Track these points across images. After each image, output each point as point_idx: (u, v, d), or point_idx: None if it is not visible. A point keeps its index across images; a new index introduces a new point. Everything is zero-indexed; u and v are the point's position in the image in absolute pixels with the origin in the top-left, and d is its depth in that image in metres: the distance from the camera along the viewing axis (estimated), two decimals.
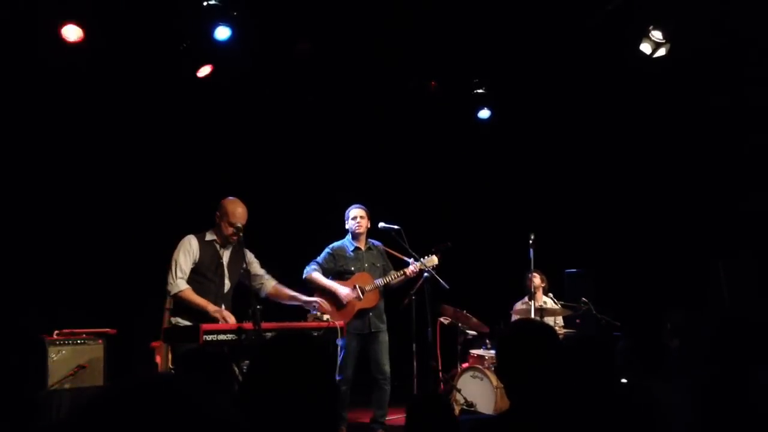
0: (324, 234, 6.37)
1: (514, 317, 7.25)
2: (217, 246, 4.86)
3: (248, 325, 4.44)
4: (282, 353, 1.89)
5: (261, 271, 5.08)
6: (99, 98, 6.63)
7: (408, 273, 5.91)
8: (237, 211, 4.80)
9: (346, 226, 6.05)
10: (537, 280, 7.24)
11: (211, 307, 4.67)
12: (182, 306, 4.69)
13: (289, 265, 7.04)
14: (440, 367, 6.89)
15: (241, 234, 4.74)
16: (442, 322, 7.01)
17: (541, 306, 6.99)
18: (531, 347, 2.15)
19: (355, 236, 6.02)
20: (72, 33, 6.04)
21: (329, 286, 5.81)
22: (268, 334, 4.47)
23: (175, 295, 4.67)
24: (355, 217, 5.99)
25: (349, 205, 6.14)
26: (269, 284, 5.07)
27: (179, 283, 4.67)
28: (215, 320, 4.61)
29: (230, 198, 4.88)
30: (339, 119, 7.98)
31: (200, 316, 4.64)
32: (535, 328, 2.31)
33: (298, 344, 1.92)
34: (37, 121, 6.41)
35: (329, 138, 8.06)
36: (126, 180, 6.96)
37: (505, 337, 2.32)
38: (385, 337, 5.95)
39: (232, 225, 4.77)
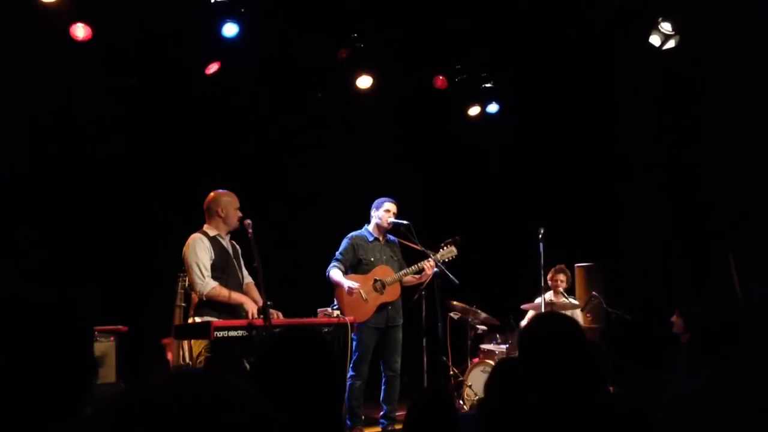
0: (329, 231, 6.38)
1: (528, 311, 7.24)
2: (221, 239, 4.88)
3: (258, 321, 4.45)
4: (283, 353, 1.87)
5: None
6: (103, 96, 6.63)
7: (427, 269, 5.87)
8: (234, 198, 4.87)
9: (374, 216, 5.98)
10: (563, 277, 7.11)
11: (244, 299, 4.72)
12: (211, 303, 4.68)
13: (295, 262, 7.07)
14: (450, 362, 6.89)
15: (251, 230, 4.73)
16: (451, 317, 7.01)
17: (551, 300, 6.97)
18: (555, 340, 2.09)
19: (381, 229, 5.99)
20: (80, 31, 6.06)
21: (341, 282, 5.81)
22: (278, 331, 4.48)
23: (208, 294, 4.63)
24: (389, 210, 5.95)
25: (360, 199, 6.12)
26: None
27: (209, 282, 4.65)
28: (246, 314, 4.64)
29: (219, 190, 4.91)
30: (346, 115, 7.97)
31: (231, 311, 4.66)
32: (560, 321, 2.24)
33: (300, 344, 1.90)
34: (40, 121, 6.43)
35: (337, 134, 8.05)
36: (137, 177, 6.98)
37: (528, 329, 2.26)
38: (399, 334, 5.94)
39: (238, 210, 4.83)
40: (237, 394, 0.81)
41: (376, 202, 6.06)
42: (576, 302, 7.19)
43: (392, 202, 6.02)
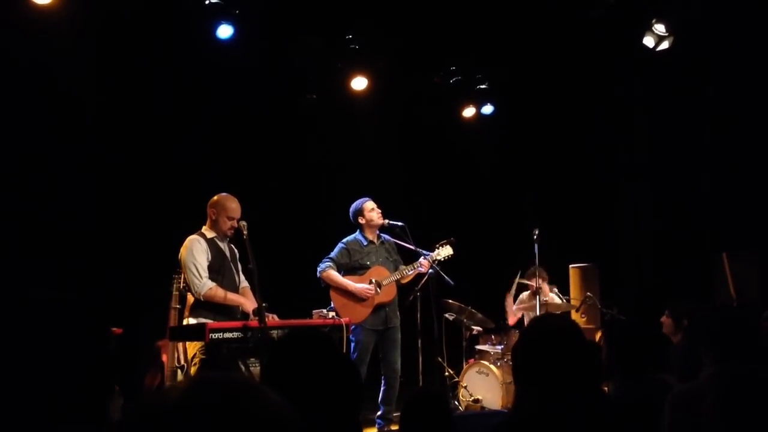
0: (324, 232, 6.37)
1: (518, 311, 7.25)
2: (218, 242, 4.88)
3: (254, 323, 4.45)
4: (295, 354, 1.86)
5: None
6: (98, 98, 6.62)
7: (424, 266, 5.86)
8: (232, 206, 4.85)
9: (362, 220, 5.93)
10: (535, 279, 7.08)
11: (242, 299, 4.72)
12: (207, 305, 4.67)
13: (290, 264, 7.06)
14: (446, 363, 6.90)
15: (245, 232, 4.74)
16: (447, 319, 7.01)
17: (546, 301, 6.97)
18: (554, 345, 2.06)
19: (372, 228, 5.94)
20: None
21: (344, 284, 5.80)
22: (274, 332, 4.48)
23: (205, 294, 4.63)
24: (373, 209, 5.92)
25: (354, 200, 6.06)
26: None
27: (206, 282, 4.65)
28: (244, 316, 4.63)
29: (223, 194, 4.91)
30: (341, 116, 7.97)
31: (226, 313, 4.67)
32: (559, 324, 2.20)
33: (312, 344, 1.89)
34: (38, 121, 6.41)
35: (331, 136, 8.05)
36: (132, 178, 6.96)
37: (527, 333, 2.23)
38: (397, 335, 5.92)
39: (230, 219, 4.80)
40: (263, 402, 0.78)
41: (353, 208, 5.97)
42: (562, 302, 7.20)
43: (369, 200, 5.97)
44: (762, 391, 2.00)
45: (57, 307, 1.27)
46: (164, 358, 5.85)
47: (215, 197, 4.90)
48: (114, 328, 5.64)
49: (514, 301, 7.27)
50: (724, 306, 3.00)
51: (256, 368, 4.79)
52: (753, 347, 2.62)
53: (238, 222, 4.79)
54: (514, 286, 7.11)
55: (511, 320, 7.20)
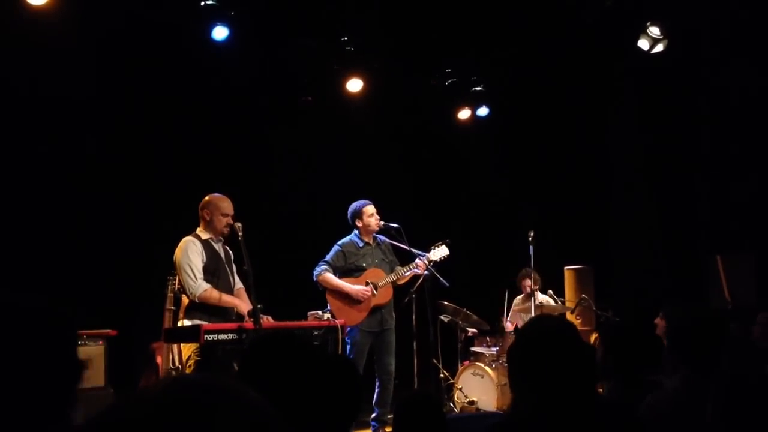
0: (320, 234, 6.37)
1: (513, 315, 7.26)
2: (213, 243, 4.88)
3: (249, 324, 4.45)
4: (267, 356, 1.86)
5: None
6: (93, 99, 6.61)
7: (420, 267, 5.86)
8: (224, 204, 4.85)
9: (359, 223, 5.91)
10: (530, 281, 7.10)
11: (237, 301, 4.72)
12: (201, 306, 4.67)
13: (286, 266, 7.06)
14: (441, 365, 6.90)
15: (241, 233, 4.73)
16: (442, 321, 7.01)
17: (540, 303, 6.98)
18: (551, 346, 2.05)
19: (369, 232, 5.94)
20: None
21: (340, 286, 5.79)
22: (262, 334, 4.48)
23: (201, 296, 4.63)
24: (372, 214, 5.89)
25: (351, 202, 6.04)
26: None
27: (201, 284, 4.65)
28: (239, 317, 4.62)
29: (214, 194, 4.91)
30: (337, 118, 7.98)
31: (221, 315, 4.66)
32: (555, 325, 2.19)
33: (283, 345, 1.89)
34: (33, 123, 6.40)
35: (327, 137, 8.05)
36: (126, 180, 6.95)
37: (524, 334, 2.23)
38: (392, 336, 5.91)
39: (225, 217, 4.80)
40: (241, 402, 0.78)
41: (353, 209, 5.95)
42: (557, 304, 7.21)
43: (370, 204, 5.96)
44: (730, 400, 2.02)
45: (17, 311, 1.26)
46: (159, 359, 5.84)
47: (206, 198, 4.90)
48: (108, 330, 5.66)
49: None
50: (688, 312, 2.99)
51: None
52: (713, 355, 2.63)
53: (233, 221, 4.79)
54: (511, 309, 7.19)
55: (509, 327, 7.21)
